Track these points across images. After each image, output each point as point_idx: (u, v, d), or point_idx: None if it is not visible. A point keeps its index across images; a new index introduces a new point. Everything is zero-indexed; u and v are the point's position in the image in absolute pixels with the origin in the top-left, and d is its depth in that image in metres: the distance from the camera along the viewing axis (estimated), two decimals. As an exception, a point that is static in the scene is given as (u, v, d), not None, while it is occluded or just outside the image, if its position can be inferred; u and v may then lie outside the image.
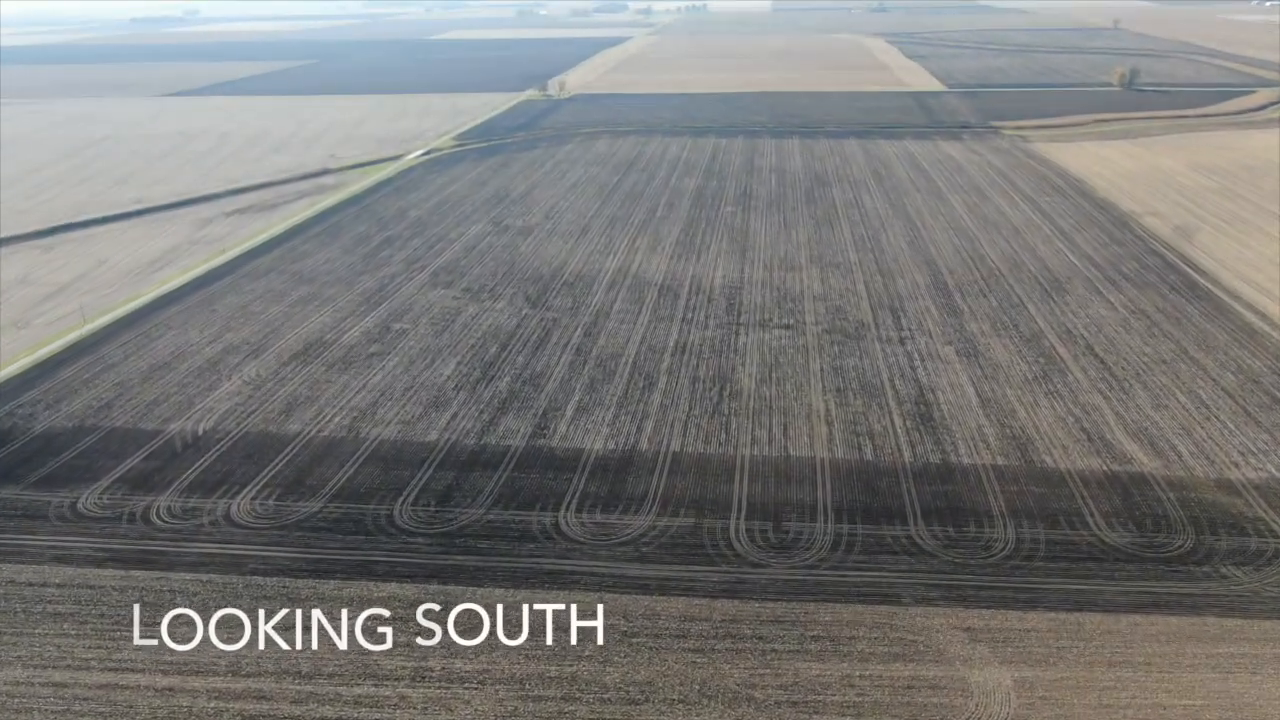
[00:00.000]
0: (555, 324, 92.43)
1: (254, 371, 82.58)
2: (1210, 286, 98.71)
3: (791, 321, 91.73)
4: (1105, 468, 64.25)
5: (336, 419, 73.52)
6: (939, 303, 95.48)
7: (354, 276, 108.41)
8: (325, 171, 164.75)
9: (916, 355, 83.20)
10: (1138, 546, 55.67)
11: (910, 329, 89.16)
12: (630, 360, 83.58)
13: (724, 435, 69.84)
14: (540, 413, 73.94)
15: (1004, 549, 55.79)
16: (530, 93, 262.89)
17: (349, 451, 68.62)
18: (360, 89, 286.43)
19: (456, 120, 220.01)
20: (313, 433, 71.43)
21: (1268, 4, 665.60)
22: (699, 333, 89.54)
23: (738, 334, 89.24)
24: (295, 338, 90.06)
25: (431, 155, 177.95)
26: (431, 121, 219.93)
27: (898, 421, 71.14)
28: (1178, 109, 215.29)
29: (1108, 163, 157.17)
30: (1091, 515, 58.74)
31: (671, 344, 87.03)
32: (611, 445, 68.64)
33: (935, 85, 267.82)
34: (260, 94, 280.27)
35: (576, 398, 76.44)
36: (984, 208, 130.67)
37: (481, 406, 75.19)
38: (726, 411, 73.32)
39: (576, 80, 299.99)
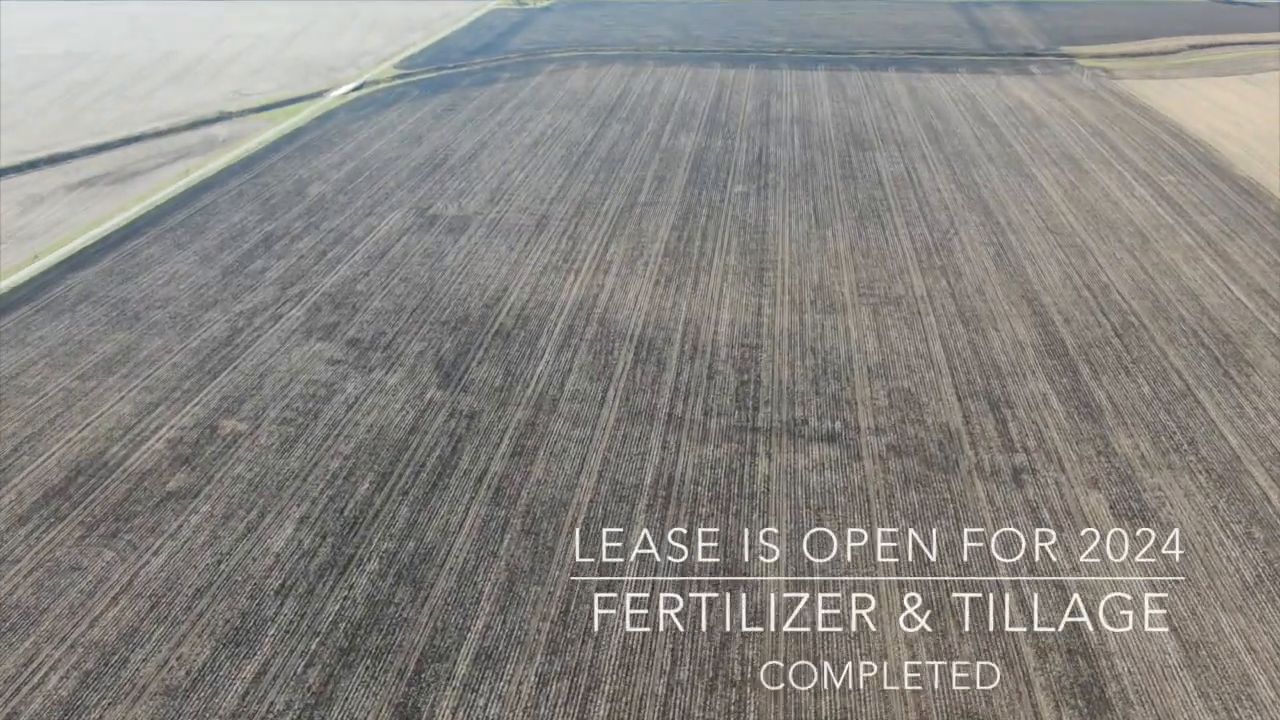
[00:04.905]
0: (473, 423, 59.71)
1: (-38, 540, 50.34)
2: None
3: (838, 425, 58.91)
4: None
5: (56, 677, 41.77)
6: (1061, 388, 62.40)
7: (199, 311, 74.88)
8: (221, 117, 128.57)
9: (1047, 513, 50.82)
10: None
11: (1027, 447, 56.47)
12: (581, 516, 51.32)
13: (734, 747, 38.31)
14: (411, 664, 42.10)
15: None
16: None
17: (45, 780, 37.21)
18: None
19: (406, 39, 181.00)
20: (-2, 719, 39.88)
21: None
22: (693, 449, 56.94)
23: (755, 450, 56.67)
24: (62, 453, 57.47)
25: (364, 91, 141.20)
26: (376, 39, 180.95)
27: (1046, 710, 39.32)
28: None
29: (1228, 114, 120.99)
30: None
31: (649, 475, 54.60)
32: (526, 779, 37.17)
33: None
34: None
35: (481, 623, 44.43)
36: (1086, 191, 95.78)
37: (315, 642, 43.33)
38: (739, 674, 41.38)
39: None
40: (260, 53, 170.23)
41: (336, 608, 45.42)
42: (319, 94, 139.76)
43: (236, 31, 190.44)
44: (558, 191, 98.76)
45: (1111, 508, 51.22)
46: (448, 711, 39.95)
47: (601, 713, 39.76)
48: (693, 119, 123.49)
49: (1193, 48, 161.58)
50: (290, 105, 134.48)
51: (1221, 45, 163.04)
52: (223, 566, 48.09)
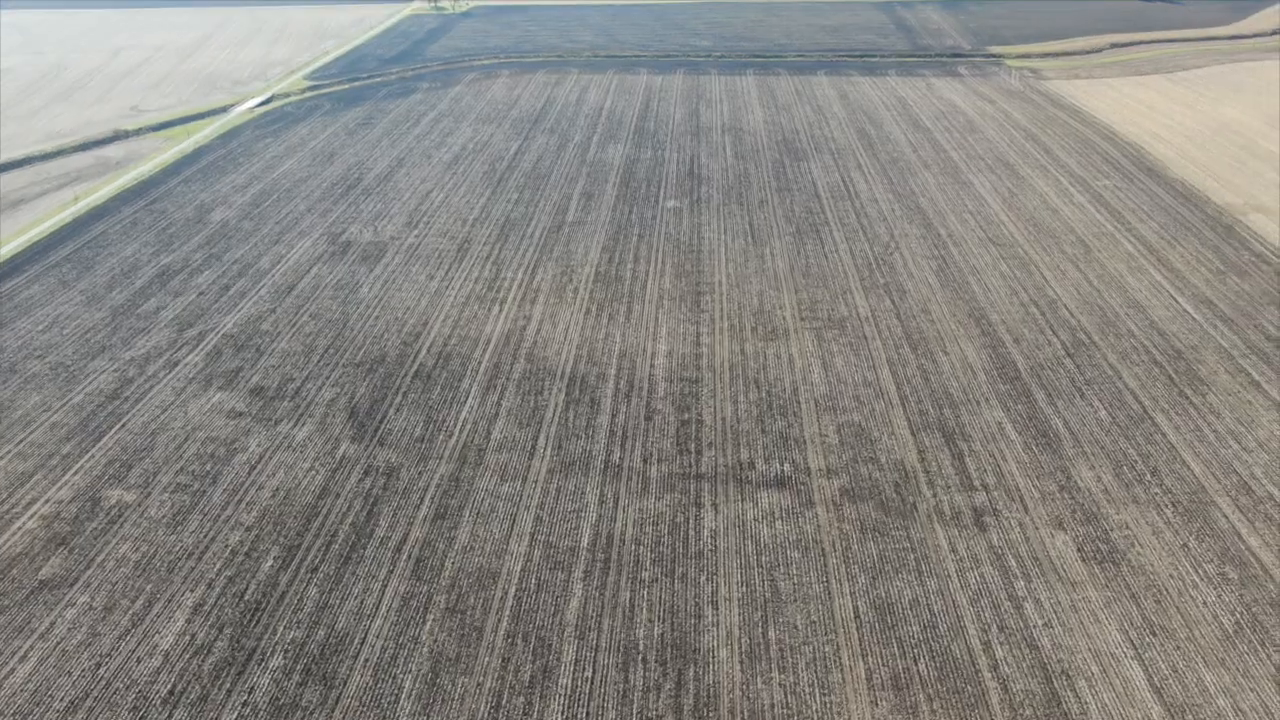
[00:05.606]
0: (390, 481, 54.26)
1: None
2: None
3: (787, 468, 54.96)
4: None
5: (-107, 827, 35.40)
6: (1016, 415, 59.43)
7: (84, 360, 67.80)
8: (116, 136, 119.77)
9: (1014, 563, 47.54)
10: None
11: (986, 484, 53.24)
12: (511, 591, 46.38)
13: None
14: (320, 789, 36.79)
15: None
16: (418, 4, 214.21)
17: None
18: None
19: (318, 47, 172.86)
20: None
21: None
22: (632, 501, 52.41)
23: (700, 501, 52.38)
24: (-84, 538, 50.46)
25: (272, 105, 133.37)
26: (285, 49, 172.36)
27: (1032, 800, 35.77)
28: (1200, 26, 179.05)
29: (1156, 115, 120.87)
30: None
31: (586, 536, 49.92)
32: None
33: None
34: (81, 5, 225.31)
35: (400, 727, 39.23)
36: (1024, 199, 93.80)
37: (207, 765, 37.66)
38: (693, 776, 37.02)
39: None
40: (158, 65, 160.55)
41: (234, 717, 39.74)
42: (223, 109, 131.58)
43: (133, 41, 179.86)
44: (480, 212, 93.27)
45: (1079, 550, 48.13)
46: (363, 843, 34.73)
47: (540, 833, 35.00)
48: (620, 129, 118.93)
49: (1114, 46, 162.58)
50: (192, 122, 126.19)
51: (1143, 43, 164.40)
52: (102, 671, 42.01)
